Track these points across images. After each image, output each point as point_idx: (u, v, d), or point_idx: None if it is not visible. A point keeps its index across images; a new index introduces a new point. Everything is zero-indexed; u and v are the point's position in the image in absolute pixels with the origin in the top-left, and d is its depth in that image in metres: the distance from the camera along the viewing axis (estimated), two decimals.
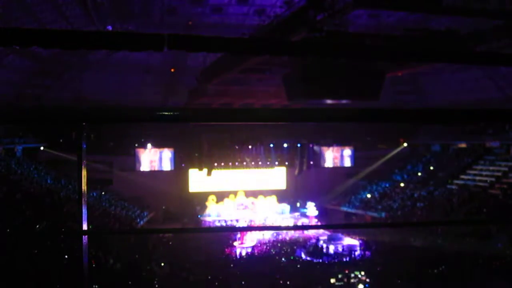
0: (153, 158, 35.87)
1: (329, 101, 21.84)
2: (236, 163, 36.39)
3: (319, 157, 38.77)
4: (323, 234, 26.37)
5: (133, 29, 26.91)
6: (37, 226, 18.78)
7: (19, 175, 26.81)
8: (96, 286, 13.36)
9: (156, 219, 31.77)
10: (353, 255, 23.71)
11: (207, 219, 32.42)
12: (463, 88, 32.99)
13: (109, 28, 25.25)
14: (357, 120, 1.58)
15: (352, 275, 19.14)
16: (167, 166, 36.15)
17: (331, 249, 24.34)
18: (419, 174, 35.10)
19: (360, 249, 24.34)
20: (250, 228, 26.79)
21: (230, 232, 29.58)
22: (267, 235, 27.05)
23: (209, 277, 18.31)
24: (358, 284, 18.65)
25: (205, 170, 34.38)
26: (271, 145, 37.51)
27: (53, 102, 31.68)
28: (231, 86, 30.99)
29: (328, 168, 38.63)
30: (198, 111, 1.53)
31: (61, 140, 31.30)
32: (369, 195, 34.23)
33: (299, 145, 37.41)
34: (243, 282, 17.84)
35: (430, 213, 28.49)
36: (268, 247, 25.17)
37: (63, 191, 27.06)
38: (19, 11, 21.92)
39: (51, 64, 30.72)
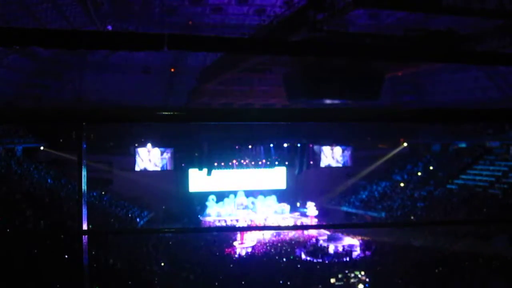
0: (153, 158, 35.84)
1: (329, 101, 21.84)
2: (236, 163, 36.37)
3: (319, 157, 38.73)
4: (323, 234, 26.38)
5: (133, 29, 26.91)
6: (37, 226, 18.78)
7: (19, 175, 26.79)
8: (96, 286, 13.35)
9: (156, 219, 31.77)
10: (353, 255, 23.71)
11: (207, 219, 32.42)
12: (463, 88, 32.99)
13: (109, 28, 25.25)
14: (357, 120, 1.59)
15: (352, 275, 19.14)
16: (167, 166, 36.10)
17: (331, 249, 24.35)
18: (419, 174, 35.08)
19: (360, 249, 24.34)
20: (250, 228, 26.79)
21: (230, 232, 29.58)
22: (267, 235, 27.05)
23: (209, 277, 18.31)
24: (358, 284, 18.65)
25: (205, 170, 34.36)
26: (271, 145, 37.49)
27: (53, 102, 31.69)
28: (231, 86, 31.00)
29: (328, 168, 38.59)
30: (198, 111, 1.53)
31: (61, 140, 31.28)
32: (371, 193, 34.22)
33: (299, 145, 37.39)
34: (243, 282, 17.83)
35: (430, 213, 28.49)
36: (268, 247, 25.17)
37: (63, 191, 27.05)
38: (19, 11, 21.92)
39: (51, 64, 30.73)
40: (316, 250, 24.29)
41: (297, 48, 1.65)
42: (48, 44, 1.26)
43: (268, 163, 37.15)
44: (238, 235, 25.59)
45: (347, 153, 39.02)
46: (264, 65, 25.48)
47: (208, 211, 33.10)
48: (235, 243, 25.53)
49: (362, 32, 22.60)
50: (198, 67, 31.59)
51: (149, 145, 35.47)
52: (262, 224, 29.75)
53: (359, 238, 25.64)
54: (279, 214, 33.38)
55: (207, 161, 34.52)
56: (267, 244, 25.66)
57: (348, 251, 24.11)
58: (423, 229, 22.82)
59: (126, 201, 31.25)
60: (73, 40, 1.32)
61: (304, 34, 18.03)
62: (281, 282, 17.98)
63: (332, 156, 38.99)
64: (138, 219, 29.72)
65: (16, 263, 13.38)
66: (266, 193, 35.26)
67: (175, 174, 35.71)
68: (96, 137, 32.03)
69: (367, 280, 18.86)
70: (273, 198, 34.71)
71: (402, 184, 34.25)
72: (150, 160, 35.66)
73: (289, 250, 24.39)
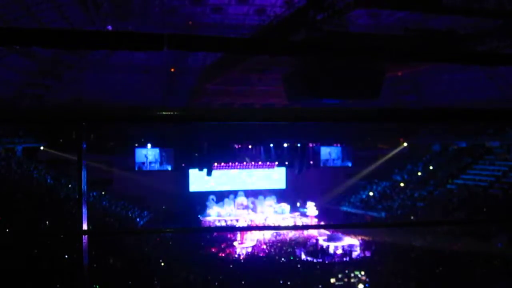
0: (153, 158, 35.88)
1: (329, 101, 21.84)
2: (236, 163, 36.38)
3: (319, 157, 38.76)
4: (323, 234, 26.37)
5: (133, 29, 26.90)
6: (37, 226, 18.79)
7: (19, 175, 26.79)
8: (96, 286, 13.35)
9: (156, 219, 31.78)
10: (353, 255, 23.70)
11: (207, 219, 32.42)
12: (463, 88, 32.98)
13: (109, 28, 25.25)
14: (357, 120, 1.59)
15: (352, 275, 19.14)
16: (167, 166, 36.15)
17: (331, 249, 24.34)
18: (419, 174, 35.09)
19: (360, 249, 24.34)
20: (250, 228, 26.77)
21: (230, 232, 29.57)
22: (267, 235, 27.04)
23: (209, 277, 18.31)
24: (358, 284, 18.65)
25: (205, 170, 34.38)
26: (271, 145, 37.50)
27: (53, 102, 31.68)
28: (231, 86, 30.99)
29: (328, 168, 38.61)
30: (198, 111, 1.53)
31: (61, 140, 31.29)
32: (371, 193, 34.24)
33: (299, 145, 37.40)
34: (243, 282, 17.83)
35: (430, 213, 28.48)
36: (268, 247, 25.17)
37: (63, 191, 27.06)
38: (19, 11, 21.92)
39: (51, 64, 30.72)
40: (316, 250, 24.28)
41: (297, 48, 1.65)
42: (48, 44, 1.26)
43: (268, 163, 37.15)
44: (238, 235, 25.58)
45: (347, 153, 39.03)
46: (264, 65, 25.47)
47: (208, 211, 33.10)
48: (235, 243, 25.53)
49: (362, 32, 22.59)
50: (198, 67, 31.59)
51: (149, 145, 35.51)
52: (262, 224, 29.74)
53: (359, 238, 25.64)
54: (279, 214, 33.38)
55: (207, 161, 34.53)
56: (267, 244, 25.66)
57: (348, 251, 24.10)
58: (423, 229, 22.83)
59: (126, 201, 31.26)
60: (73, 40, 1.32)
61: (304, 34, 18.03)
62: (281, 282, 17.97)
63: (331, 156, 39.01)
64: (138, 219, 29.73)
65: (16, 263, 13.38)
66: (266, 193, 35.25)
67: (175, 174, 35.73)
68: (96, 137, 32.03)
69: (367, 280, 18.85)
70: (273, 198, 34.71)
71: (402, 184, 34.25)
72: (149, 160, 35.70)
73: (289, 250, 24.39)
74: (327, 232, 26.22)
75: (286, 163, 37.68)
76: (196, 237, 24.37)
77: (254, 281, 17.80)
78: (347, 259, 23.26)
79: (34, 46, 1.27)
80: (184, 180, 35.68)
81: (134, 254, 20.22)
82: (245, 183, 35.83)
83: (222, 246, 25.10)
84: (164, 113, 1.44)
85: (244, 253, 24.39)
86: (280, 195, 35.44)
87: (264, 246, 25.38)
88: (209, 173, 34.40)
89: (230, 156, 36.26)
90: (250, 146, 37.07)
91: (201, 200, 34.10)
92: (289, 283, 17.95)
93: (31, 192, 24.36)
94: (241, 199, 34.49)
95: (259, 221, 31.35)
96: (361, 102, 22.68)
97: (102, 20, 24.62)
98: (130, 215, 29.76)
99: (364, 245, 24.61)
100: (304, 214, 33.05)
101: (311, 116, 1.54)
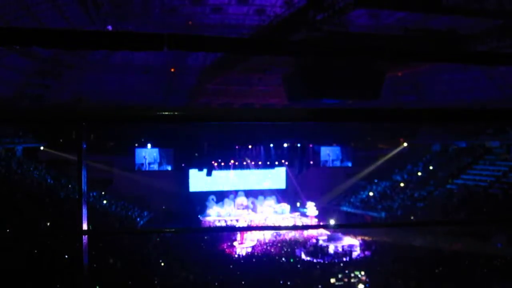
0: (153, 158, 35.88)
1: (329, 101, 21.84)
2: (236, 163, 36.38)
3: (319, 157, 38.77)
4: (323, 234, 26.38)
5: (133, 29, 26.90)
6: (37, 226, 18.78)
7: (19, 175, 26.79)
8: (96, 286, 13.35)
9: (156, 219, 31.78)
10: (353, 255, 23.71)
11: (207, 219, 32.43)
12: (463, 88, 32.99)
13: (109, 28, 25.26)
14: (357, 120, 1.59)
15: (352, 275, 19.14)
16: (166, 166, 36.15)
17: (331, 249, 24.34)
18: (419, 174, 35.08)
19: (360, 249, 24.34)
20: (250, 228, 26.76)
21: (230, 232, 29.56)
22: (267, 235, 27.05)
23: (209, 277, 18.31)
24: (358, 284, 18.65)
25: (205, 170, 34.38)
26: (271, 145, 37.50)
27: (53, 102, 31.69)
28: (231, 86, 31.02)
29: (328, 168, 38.62)
30: (198, 111, 1.53)
31: (61, 140, 31.29)
32: (371, 193, 34.24)
33: (299, 145, 37.40)
34: (243, 282, 17.83)
35: (430, 213, 28.47)
36: (268, 247, 25.17)
37: (63, 191, 27.06)
38: (19, 11, 21.92)
39: (51, 64, 30.72)
40: (316, 250, 24.28)
41: (297, 48, 1.65)
42: (48, 44, 1.26)
43: (268, 163, 37.15)
44: (238, 235, 25.58)
45: (347, 153, 39.02)
46: (264, 65, 25.48)
47: (208, 211, 33.10)
48: (235, 243, 25.53)
49: (362, 32, 22.59)
50: (198, 67, 31.60)
51: (149, 145, 35.52)
52: (262, 224, 29.73)
53: (359, 238, 25.64)
54: (279, 214, 33.38)
55: (207, 161, 34.54)
56: (267, 244, 25.66)
57: (348, 251, 24.10)
58: (423, 229, 22.81)
59: (126, 201, 31.25)
60: (73, 40, 1.32)
61: (304, 34, 18.05)
62: (281, 282, 17.97)
63: (331, 156, 39.01)
64: (138, 219, 29.73)
65: (16, 263, 13.37)
66: (266, 193, 35.26)
67: (175, 174, 35.74)
68: (96, 137, 32.05)
69: (367, 280, 18.85)
70: (273, 198, 34.71)
71: (402, 184, 34.24)
72: (149, 161, 35.71)
73: (289, 250, 24.38)
74: (327, 232, 26.22)
75: (286, 163, 37.67)
76: (196, 237, 24.36)
77: (254, 281, 17.80)
78: (347, 259, 23.26)
79: (34, 46, 1.27)
80: (184, 180, 35.68)
81: (134, 254, 20.22)
82: (245, 183, 35.84)
83: (222, 246, 25.10)
84: (164, 113, 1.44)
85: (244, 253, 24.39)
86: (280, 195, 35.45)
87: (264, 246, 25.38)
88: (209, 173, 34.39)
89: (230, 156, 36.26)
90: (250, 146, 37.06)
91: (201, 200, 34.11)
92: (289, 283, 17.95)
93: (31, 192, 24.35)
94: (241, 199, 34.49)
95: (259, 221, 31.34)
96: (361, 102, 22.69)
97: (102, 20, 24.63)
98: (130, 215, 29.76)
99: (364, 245, 24.62)
100: (304, 214, 33.05)
101: (311, 116, 1.54)
